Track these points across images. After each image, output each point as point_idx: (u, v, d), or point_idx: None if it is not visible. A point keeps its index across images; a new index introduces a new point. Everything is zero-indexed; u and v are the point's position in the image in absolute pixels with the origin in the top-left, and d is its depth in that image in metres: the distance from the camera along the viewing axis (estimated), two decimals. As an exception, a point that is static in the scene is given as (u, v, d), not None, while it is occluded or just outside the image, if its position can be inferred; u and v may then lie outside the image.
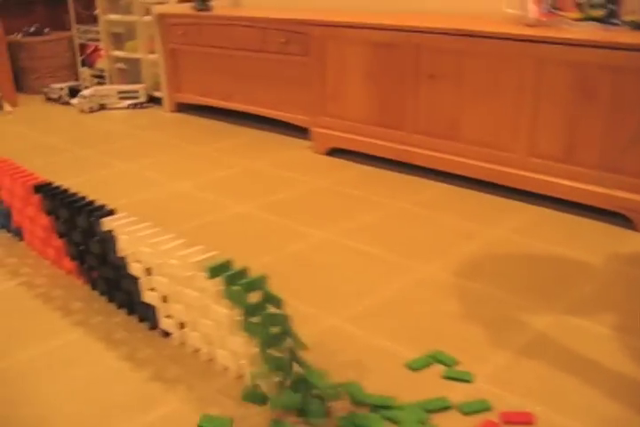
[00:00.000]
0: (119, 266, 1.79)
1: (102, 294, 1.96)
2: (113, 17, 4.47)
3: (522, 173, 2.66)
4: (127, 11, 4.39)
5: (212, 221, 2.50)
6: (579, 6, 2.85)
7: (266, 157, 3.29)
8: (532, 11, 2.83)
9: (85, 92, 4.28)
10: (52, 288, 2.02)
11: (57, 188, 2.09)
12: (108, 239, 1.79)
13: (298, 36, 3.33)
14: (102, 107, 4.37)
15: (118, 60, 4.65)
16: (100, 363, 1.63)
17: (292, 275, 2.07)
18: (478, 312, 1.84)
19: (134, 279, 1.75)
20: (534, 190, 2.64)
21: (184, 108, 4.25)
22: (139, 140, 3.65)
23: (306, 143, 3.49)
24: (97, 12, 4.63)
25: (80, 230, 1.92)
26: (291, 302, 1.90)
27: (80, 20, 4.87)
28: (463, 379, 1.56)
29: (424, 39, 2.79)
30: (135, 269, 1.73)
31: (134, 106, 4.38)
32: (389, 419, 1.41)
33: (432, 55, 2.79)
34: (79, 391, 1.52)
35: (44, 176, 2.24)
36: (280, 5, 3.98)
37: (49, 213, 2.07)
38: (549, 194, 2.60)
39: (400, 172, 3.03)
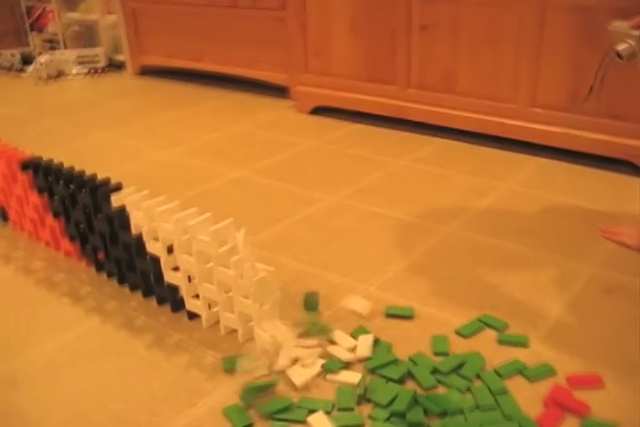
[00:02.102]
0: (132, 245, 1.65)
1: (110, 276, 1.81)
2: (64, -24, 4.17)
3: (523, 123, 2.57)
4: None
5: (211, 189, 2.36)
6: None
7: (248, 120, 3.13)
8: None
9: (41, 59, 4.01)
10: (53, 273, 1.86)
11: (49, 162, 1.91)
12: (119, 217, 1.64)
13: (273, -11, 3.14)
14: (60, 73, 4.10)
15: (72, 22, 4.36)
16: (128, 353, 1.49)
17: (312, 242, 1.96)
18: (515, 272, 1.75)
19: (152, 259, 1.61)
20: (536, 141, 2.55)
21: (149, 71, 4.03)
22: (108, 106, 3.44)
23: (286, 103, 3.33)
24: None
25: (82, 208, 1.76)
26: (318, 272, 1.79)
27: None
28: (519, 343, 1.47)
29: (415, -13, 2.64)
30: (154, 247, 1.58)
31: (94, 71, 4.13)
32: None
33: (424, 4, 2.65)
34: (115, 387, 1.38)
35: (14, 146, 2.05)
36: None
37: (41, 190, 1.90)
38: (552, 144, 2.52)
39: (393, 128, 2.92)
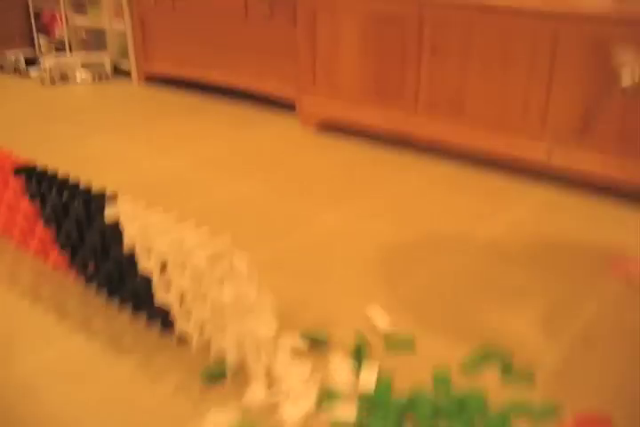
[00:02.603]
0: (124, 261, 1.57)
1: (99, 290, 1.73)
2: (74, -19, 4.12)
3: (532, 151, 2.50)
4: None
5: (210, 203, 2.28)
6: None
7: (254, 133, 3.06)
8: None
9: (46, 63, 3.95)
10: (39, 285, 1.78)
11: (43, 169, 1.84)
12: (112, 230, 1.56)
13: (284, 5, 3.09)
14: (64, 78, 4.04)
15: (79, 27, 4.31)
16: (112, 376, 1.41)
17: (310, 265, 1.88)
18: (520, 304, 1.68)
19: (144, 276, 1.53)
20: (546, 170, 2.49)
21: (154, 79, 3.96)
22: (112, 113, 3.37)
23: (292, 118, 3.27)
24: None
25: (74, 219, 1.68)
26: (316, 296, 1.71)
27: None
28: (524, 379, 1.39)
29: (428, 11, 2.59)
30: (147, 264, 1.50)
31: (99, 77, 4.07)
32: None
33: (436, 28, 2.60)
34: (95, 413, 1.30)
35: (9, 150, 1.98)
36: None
37: (33, 197, 1.82)
38: (561, 174, 2.45)
39: (399, 149, 2.85)
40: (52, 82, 3.96)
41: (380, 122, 2.86)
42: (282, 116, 3.33)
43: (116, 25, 4.02)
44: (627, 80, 1.60)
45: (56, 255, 1.84)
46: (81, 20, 4.25)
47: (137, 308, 1.61)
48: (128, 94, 3.77)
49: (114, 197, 1.62)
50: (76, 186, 1.70)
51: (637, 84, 1.58)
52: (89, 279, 1.76)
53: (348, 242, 2.02)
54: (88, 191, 1.66)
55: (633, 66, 1.61)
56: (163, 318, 1.54)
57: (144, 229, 1.48)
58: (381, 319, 1.59)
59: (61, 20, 4.33)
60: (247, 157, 2.74)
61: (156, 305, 1.53)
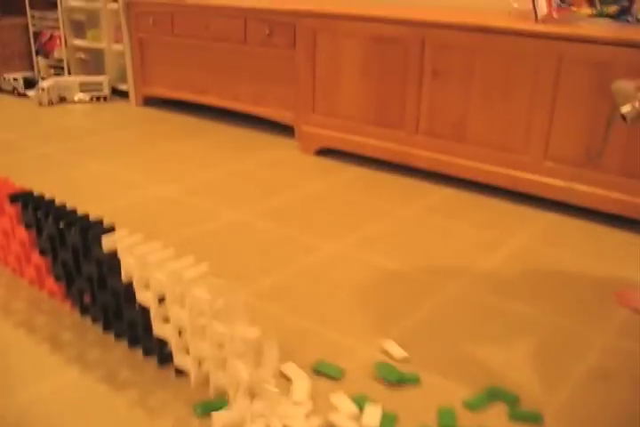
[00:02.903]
0: (121, 292, 1.54)
1: (95, 321, 1.70)
2: (74, 3, 4.13)
3: (534, 177, 2.48)
4: (89, -4, 4.05)
5: (207, 231, 2.25)
6: (590, 2, 2.69)
7: (251, 157, 3.04)
8: (542, 6, 2.65)
9: (44, 84, 3.94)
10: (34, 314, 1.75)
11: (38, 197, 1.81)
12: (109, 261, 1.53)
13: (283, 28, 3.09)
14: (62, 99, 4.03)
15: (79, 49, 4.31)
16: (108, 412, 1.38)
17: (310, 294, 1.85)
18: (525, 338, 1.65)
19: (141, 309, 1.50)
20: (548, 196, 2.47)
21: (152, 102, 3.95)
22: (108, 136, 3.35)
23: (291, 142, 3.25)
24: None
25: (70, 248, 1.65)
26: (317, 328, 1.68)
27: (35, 6, 4.50)
28: (532, 419, 1.36)
29: (430, 34, 2.58)
30: (144, 297, 1.48)
31: (97, 99, 4.06)
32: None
33: (438, 51, 2.59)
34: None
35: (5, 176, 1.96)
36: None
37: (29, 226, 1.79)
38: (564, 200, 2.43)
39: (399, 174, 2.83)
40: (50, 103, 3.95)
41: (381, 146, 2.84)
42: (280, 138, 3.32)
43: (115, 46, 4.01)
44: (626, 107, 1.58)
45: (52, 284, 1.81)
46: (80, 42, 4.24)
47: (134, 340, 1.58)
48: (125, 116, 3.75)
49: (111, 227, 1.59)
50: (73, 215, 1.67)
51: (636, 110, 1.56)
52: (85, 310, 1.72)
53: (347, 271, 1.99)
54: (85, 220, 1.63)
55: (632, 92, 1.59)
56: (160, 351, 1.51)
57: (142, 260, 1.45)
58: (397, 352, 1.57)
59: (60, 41, 4.33)
60: (245, 182, 2.72)
61: (153, 338, 1.49)
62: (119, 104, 4.03)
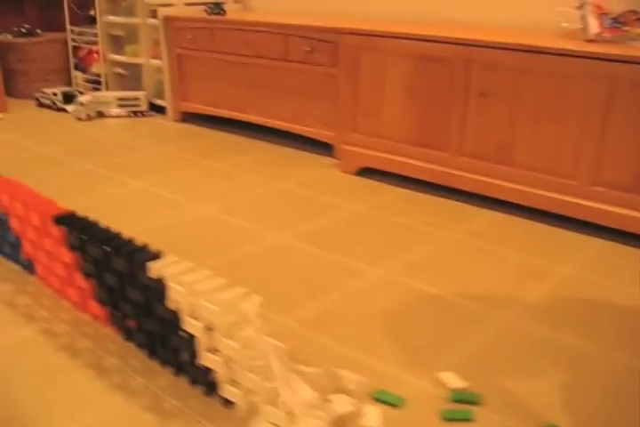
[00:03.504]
0: (167, 319, 1.50)
1: (140, 347, 1.67)
2: (113, 19, 4.14)
3: (584, 202, 2.42)
4: (129, 13, 4.07)
5: (249, 254, 2.22)
6: (643, 21, 2.63)
7: (290, 176, 3.01)
8: (593, 25, 2.60)
9: (83, 99, 3.95)
10: (77, 338, 1.72)
11: (83, 219, 1.79)
12: (156, 288, 1.50)
13: (325, 45, 3.06)
14: (100, 114, 4.04)
15: (117, 64, 4.32)
16: (154, 445, 1.34)
17: (356, 322, 1.80)
18: (580, 372, 1.58)
19: (188, 337, 1.46)
20: (598, 222, 2.40)
21: (189, 117, 3.95)
22: (146, 152, 3.35)
23: (329, 161, 3.22)
24: (93, 12, 4.31)
25: (116, 273, 1.63)
26: (362, 358, 1.63)
27: (74, 22, 4.54)
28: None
29: (477, 53, 2.53)
30: (191, 325, 1.44)
31: (134, 114, 4.06)
32: None
33: (485, 71, 2.54)
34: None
35: (46, 193, 1.94)
36: (293, 10, 3.71)
37: (74, 249, 1.77)
38: (615, 226, 2.36)
39: (441, 196, 2.78)
40: (88, 118, 3.96)
41: (423, 166, 2.79)
42: (320, 157, 3.29)
43: (153, 62, 4.02)
44: None
45: (95, 308, 1.78)
46: (118, 57, 4.25)
47: (180, 368, 1.55)
48: (163, 132, 3.75)
49: (158, 253, 1.56)
50: (119, 239, 1.64)
51: None
52: (129, 335, 1.69)
53: (392, 298, 1.94)
54: (132, 245, 1.60)
55: None
56: (207, 380, 1.47)
57: (191, 288, 1.41)
58: (456, 382, 1.53)
59: (98, 56, 4.35)
60: (286, 202, 2.69)
61: (200, 367, 1.46)
62: (156, 120, 4.03)
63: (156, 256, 1.55)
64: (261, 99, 3.46)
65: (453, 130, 2.68)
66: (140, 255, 1.55)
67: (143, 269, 1.52)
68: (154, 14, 3.85)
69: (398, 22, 3.19)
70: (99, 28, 4.24)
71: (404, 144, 2.84)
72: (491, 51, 2.50)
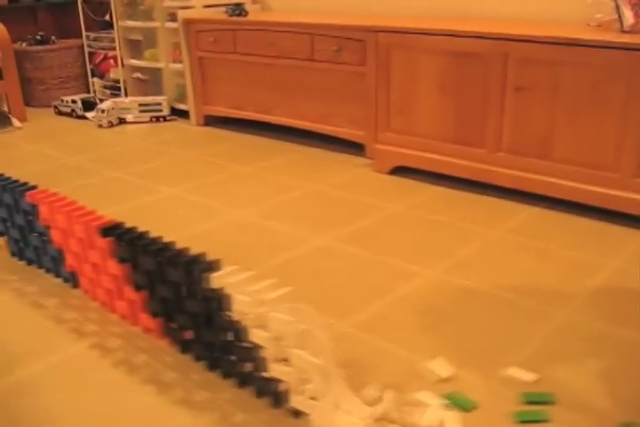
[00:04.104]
0: (229, 330, 1.46)
1: (199, 359, 1.63)
2: (131, 23, 4.10)
3: (627, 194, 2.36)
4: (146, 16, 4.03)
5: (295, 258, 2.18)
6: (679, 9, 2.57)
7: (323, 178, 2.96)
8: (628, 15, 2.54)
9: (103, 106, 3.92)
10: (132, 352, 1.68)
11: (131, 230, 1.75)
12: (217, 299, 1.46)
13: (353, 44, 3.01)
14: (121, 121, 4.01)
15: (135, 69, 4.29)
16: (230, 462, 1.30)
17: (416, 325, 1.76)
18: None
19: (253, 348, 1.42)
20: (644, 214, 2.35)
21: (212, 121, 3.91)
22: (173, 158, 3.31)
23: (361, 160, 3.17)
24: (108, 17, 4.27)
25: (171, 285, 1.59)
26: (424, 361, 1.58)
27: (89, 28, 4.50)
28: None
29: (512, 48, 2.48)
30: (259, 336, 1.40)
31: (157, 119, 4.03)
32: None
33: (522, 65, 2.49)
34: None
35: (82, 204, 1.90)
36: (312, 9, 3.67)
37: (123, 260, 1.73)
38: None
39: (479, 193, 2.73)
40: (110, 124, 3.93)
41: (460, 164, 2.75)
42: (352, 157, 3.24)
43: (173, 66, 3.98)
44: None
45: (146, 320, 1.74)
46: (137, 62, 4.22)
47: (244, 379, 1.50)
48: (188, 136, 3.71)
49: (216, 263, 1.52)
50: (173, 249, 1.60)
51: None
52: (186, 348, 1.65)
53: (447, 299, 1.90)
54: (187, 255, 1.56)
55: None
56: (274, 392, 1.43)
57: (256, 297, 1.37)
58: (528, 376, 1.51)
59: (116, 61, 4.31)
60: (323, 204, 2.65)
61: (266, 378, 1.42)
62: (179, 124, 3.99)
63: (214, 266, 1.51)
64: (288, 100, 3.42)
65: (490, 126, 2.63)
66: (197, 266, 1.51)
67: (202, 279, 1.48)
68: (172, 17, 3.81)
69: (424, 18, 3.14)
70: (116, 33, 4.20)
71: (440, 142, 2.80)
72: (526, 44, 2.45)
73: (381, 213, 2.55)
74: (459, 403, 1.44)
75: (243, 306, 1.41)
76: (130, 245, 1.67)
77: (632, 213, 2.36)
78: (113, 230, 1.75)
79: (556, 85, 2.42)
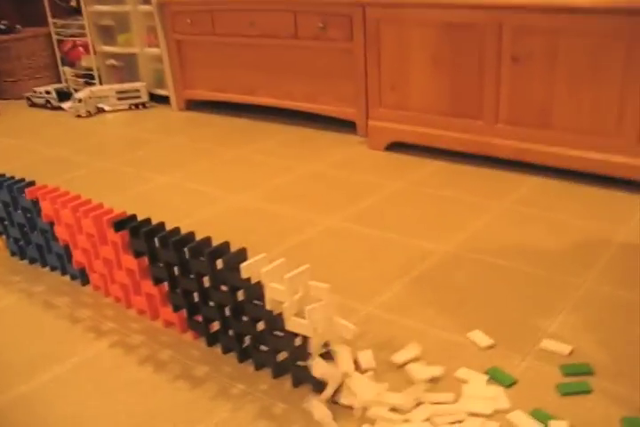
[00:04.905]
0: (268, 321, 1.42)
1: (227, 352, 1.58)
2: (101, 8, 3.97)
3: (630, 160, 2.36)
4: (116, 0, 3.90)
5: (306, 242, 2.13)
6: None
7: (319, 158, 2.91)
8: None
9: (80, 95, 3.80)
10: (156, 348, 1.63)
11: (145, 222, 1.69)
12: (251, 288, 1.42)
13: (339, 20, 2.95)
14: (100, 110, 3.90)
15: (109, 56, 4.16)
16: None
17: (443, 304, 1.74)
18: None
19: (289, 337, 1.39)
20: (649, 180, 2.34)
21: (194, 105, 3.82)
22: (160, 145, 3.23)
23: (354, 138, 3.13)
24: (74, 3, 4.13)
25: (196, 276, 1.54)
26: (462, 341, 1.56)
27: (55, 14, 4.35)
28: None
29: (507, 17, 2.45)
30: (299, 325, 1.36)
31: (136, 106, 3.92)
32: None
33: (517, 35, 2.45)
34: None
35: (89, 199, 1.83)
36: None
37: (139, 254, 1.67)
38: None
39: (479, 166, 2.71)
40: (88, 114, 3.82)
41: (457, 137, 2.71)
42: (343, 136, 3.19)
43: (149, 50, 3.87)
44: None
45: (167, 314, 1.69)
46: (110, 48, 4.09)
47: (280, 369, 1.47)
48: (170, 122, 3.62)
49: (244, 252, 1.47)
50: (194, 240, 1.55)
51: None
52: (213, 340, 1.61)
53: (468, 275, 1.88)
54: (211, 246, 1.51)
55: None
56: (314, 380, 1.39)
57: (293, 287, 1.33)
58: (562, 348, 1.50)
59: (87, 48, 4.19)
60: (323, 185, 2.60)
61: (304, 366, 1.38)
62: (160, 110, 3.90)
63: (242, 255, 1.46)
64: (272, 80, 3.35)
65: (487, 97, 2.60)
66: (224, 256, 1.46)
67: (232, 269, 1.43)
68: (145, 0, 3.70)
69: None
70: (85, 19, 4.07)
71: (435, 115, 2.76)
72: (521, 13, 2.41)
73: (384, 190, 2.51)
74: (499, 379, 1.42)
75: (277, 295, 1.37)
76: (147, 238, 1.61)
77: (636, 179, 2.36)
78: (125, 224, 1.69)
79: (553, 54, 2.39)
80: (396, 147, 2.93)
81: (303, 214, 2.34)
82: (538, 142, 2.53)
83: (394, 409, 1.32)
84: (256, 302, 1.42)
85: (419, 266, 1.94)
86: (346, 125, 3.20)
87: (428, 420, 1.28)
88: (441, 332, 1.61)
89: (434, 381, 1.43)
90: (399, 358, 1.48)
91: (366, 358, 1.48)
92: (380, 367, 1.47)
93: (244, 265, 1.41)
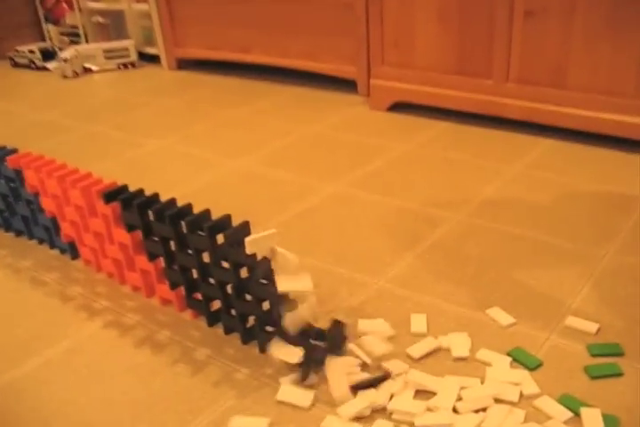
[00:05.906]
0: (267, 299, 1.31)
1: (229, 332, 1.48)
2: (85, -39, 3.76)
3: (649, 121, 2.23)
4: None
5: (310, 209, 2.01)
6: None
7: (319, 119, 2.77)
8: None
9: (66, 54, 3.62)
10: (154, 329, 1.52)
11: (138, 193, 1.56)
12: (254, 265, 1.30)
13: (338, -29, 2.77)
14: (87, 70, 3.72)
15: (94, 12, 3.96)
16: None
17: (457, 276, 1.63)
18: None
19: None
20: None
21: (185, 64, 3.65)
22: (151, 107, 3.07)
23: (355, 98, 2.98)
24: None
25: (195, 252, 1.42)
26: (484, 317, 1.46)
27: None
28: None
29: (520, -35, 2.28)
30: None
31: (125, 66, 3.75)
32: None
33: (530, -15, 2.29)
34: None
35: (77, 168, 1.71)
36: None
37: (133, 228, 1.55)
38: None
39: (489, 127, 2.57)
40: (75, 74, 3.65)
41: (465, 96, 2.58)
42: (343, 95, 3.04)
43: (137, 6, 3.68)
44: None
45: (164, 292, 1.58)
46: (95, 4, 3.90)
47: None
48: (162, 83, 3.46)
49: (247, 226, 1.35)
50: (192, 213, 1.43)
51: None
52: (214, 320, 1.50)
53: (482, 245, 1.77)
54: (212, 219, 1.39)
55: None
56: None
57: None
58: (586, 326, 1.41)
59: (71, 5, 3.98)
60: (324, 148, 2.47)
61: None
62: (150, 70, 3.73)
63: (245, 229, 1.34)
64: (267, 37, 3.18)
65: (497, 54, 2.45)
66: (226, 230, 1.34)
67: (235, 245, 1.32)
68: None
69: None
70: (69, -26, 3.85)
71: (442, 74, 2.61)
72: (536, -39, 2.25)
73: (390, 153, 2.39)
74: (523, 360, 1.32)
75: (286, 270, 1.25)
76: (141, 210, 1.49)
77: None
78: (117, 195, 1.56)
79: (571, 8, 2.24)
80: (400, 107, 2.79)
81: (306, 180, 2.21)
82: (551, 102, 2.40)
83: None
84: (262, 280, 1.31)
85: (429, 235, 1.83)
86: (345, 85, 3.04)
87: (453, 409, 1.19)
88: (458, 308, 1.51)
89: (457, 361, 1.33)
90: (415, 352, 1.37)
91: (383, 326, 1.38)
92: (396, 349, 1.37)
93: (247, 240, 1.29)
